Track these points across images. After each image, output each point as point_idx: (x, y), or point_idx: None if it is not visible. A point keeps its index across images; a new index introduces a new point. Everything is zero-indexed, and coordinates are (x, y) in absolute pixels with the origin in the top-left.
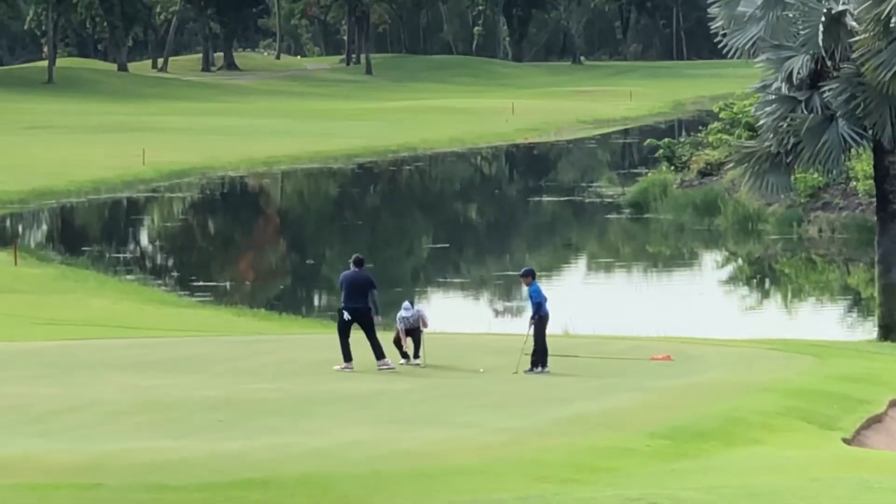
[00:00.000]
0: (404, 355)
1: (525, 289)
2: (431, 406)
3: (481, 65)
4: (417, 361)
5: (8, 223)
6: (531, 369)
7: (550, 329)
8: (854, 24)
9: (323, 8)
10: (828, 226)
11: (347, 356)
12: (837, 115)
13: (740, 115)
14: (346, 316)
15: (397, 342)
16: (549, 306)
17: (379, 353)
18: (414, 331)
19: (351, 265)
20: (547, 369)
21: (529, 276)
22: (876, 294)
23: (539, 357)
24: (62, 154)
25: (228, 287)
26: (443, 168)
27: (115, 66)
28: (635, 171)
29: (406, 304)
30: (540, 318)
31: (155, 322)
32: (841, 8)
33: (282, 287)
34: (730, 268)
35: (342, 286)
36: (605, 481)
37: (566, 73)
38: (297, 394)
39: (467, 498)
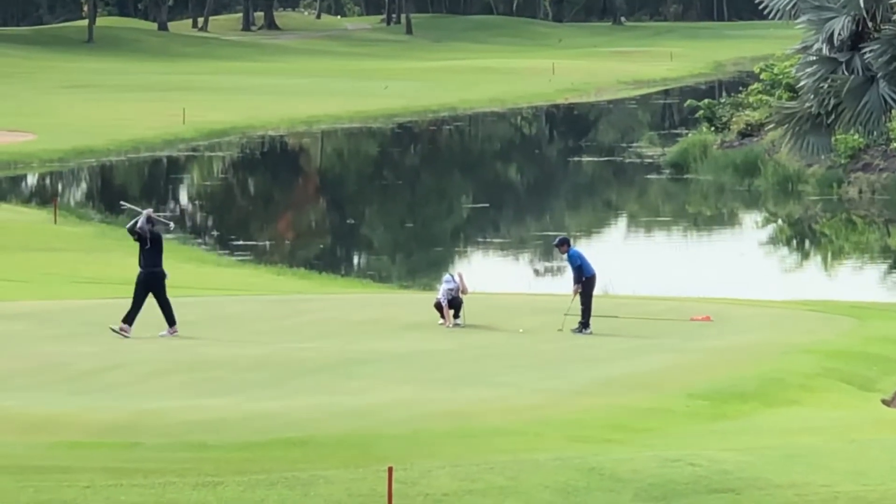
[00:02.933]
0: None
1: (563, 256)
2: (471, 366)
3: (521, 25)
4: (458, 321)
5: (48, 181)
6: (579, 329)
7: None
8: None
9: None
10: (868, 187)
11: None
12: (878, 76)
13: (781, 77)
14: None
15: (438, 308)
16: (592, 267)
17: None
18: (455, 297)
19: None
20: (590, 330)
21: (564, 244)
22: None
23: (584, 318)
24: (102, 113)
25: (268, 246)
26: (482, 128)
27: (155, 26)
28: (675, 131)
29: (447, 276)
30: (587, 280)
31: (194, 281)
32: None
33: (322, 246)
34: (769, 229)
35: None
36: (644, 442)
37: (606, 34)
38: (337, 353)
39: (506, 458)
